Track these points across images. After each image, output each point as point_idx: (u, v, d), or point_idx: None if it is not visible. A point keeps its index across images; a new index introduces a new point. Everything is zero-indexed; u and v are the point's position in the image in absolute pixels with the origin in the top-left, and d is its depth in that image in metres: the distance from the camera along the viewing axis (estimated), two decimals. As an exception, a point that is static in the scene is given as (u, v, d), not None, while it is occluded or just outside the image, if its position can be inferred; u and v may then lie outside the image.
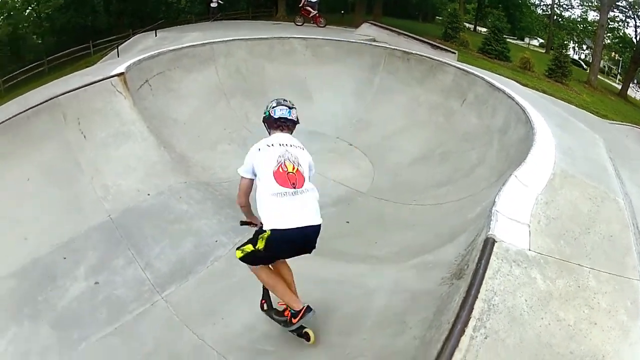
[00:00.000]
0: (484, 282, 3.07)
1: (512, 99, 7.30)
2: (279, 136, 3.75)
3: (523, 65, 23.00)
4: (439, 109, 8.74)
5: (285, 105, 3.84)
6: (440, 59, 9.75)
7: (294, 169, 3.45)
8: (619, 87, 30.77)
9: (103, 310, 4.95)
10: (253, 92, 9.58)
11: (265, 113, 3.88)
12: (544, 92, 16.00)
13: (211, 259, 5.51)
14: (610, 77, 36.87)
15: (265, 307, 4.21)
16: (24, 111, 6.47)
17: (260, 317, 4.40)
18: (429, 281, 4.21)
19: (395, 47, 10.28)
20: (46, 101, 6.65)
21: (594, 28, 31.22)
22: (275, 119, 3.79)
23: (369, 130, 8.97)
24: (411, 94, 9.23)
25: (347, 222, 6.58)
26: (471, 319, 2.84)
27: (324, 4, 18.77)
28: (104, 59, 16.17)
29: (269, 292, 4.10)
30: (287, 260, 3.93)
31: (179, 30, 16.97)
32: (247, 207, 3.87)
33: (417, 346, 3.47)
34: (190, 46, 9.54)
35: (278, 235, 3.32)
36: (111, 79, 7.35)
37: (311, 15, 16.93)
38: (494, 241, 3.39)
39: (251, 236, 3.59)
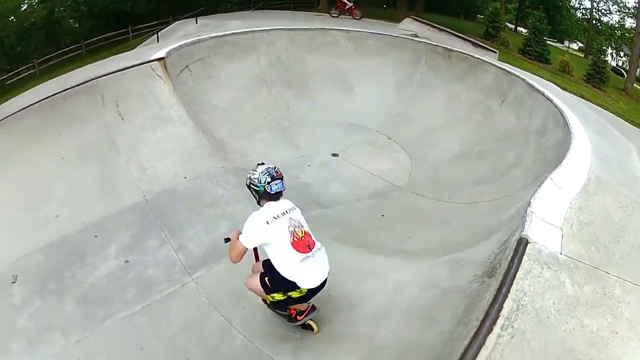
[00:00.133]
0: (514, 281, 3.09)
1: (551, 101, 7.18)
2: (277, 206, 3.87)
3: (562, 68, 22.40)
4: (479, 107, 8.64)
5: (278, 178, 3.89)
6: (481, 58, 9.60)
7: (302, 232, 3.83)
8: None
9: (131, 289, 5.04)
10: (294, 82, 9.64)
11: (258, 187, 3.87)
12: (582, 96, 15.58)
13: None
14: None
15: (269, 302, 4.30)
16: (62, 91, 6.61)
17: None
18: (461, 278, 4.22)
19: (437, 44, 10.15)
20: (85, 82, 6.78)
21: (631, 35, 30.26)
22: (272, 194, 3.86)
23: (408, 125, 8.93)
24: (452, 90, 9.14)
25: (383, 215, 6.60)
26: (500, 318, 2.87)
27: (366, -3, 18.61)
28: (143, 44, 16.25)
29: None
30: None
31: (220, 18, 17.01)
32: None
33: (444, 342, 3.50)
34: (231, 34, 9.60)
35: (310, 291, 3.87)
36: (151, 63, 7.47)
37: (347, 7, 16.87)
38: (527, 241, 3.40)
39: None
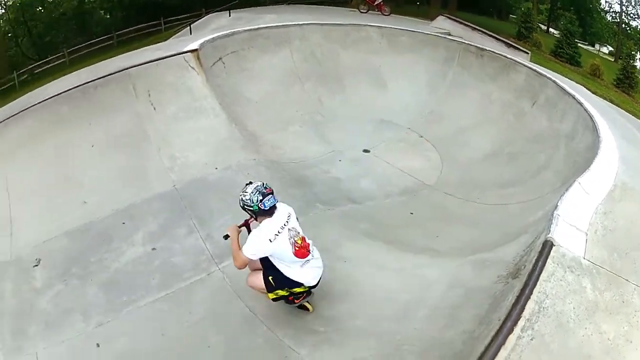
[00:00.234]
0: (538, 283, 3.13)
1: (582, 105, 7.09)
2: (275, 221, 4.07)
3: (593, 72, 21.97)
4: (511, 108, 8.55)
5: (268, 193, 4.07)
6: (514, 58, 9.51)
7: (300, 239, 4.14)
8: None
9: (157, 276, 5.13)
10: (328, 77, 9.67)
11: (252, 207, 4.03)
12: (611, 101, 15.28)
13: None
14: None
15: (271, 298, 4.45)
16: (93, 80, 6.78)
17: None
18: (485, 278, 4.25)
19: (470, 43, 10.07)
20: (117, 72, 6.93)
21: (660, 41, 29.50)
22: (267, 210, 4.04)
23: (440, 123, 8.89)
24: (484, 90, 9.06)
25: (411, 213, 6.61)
26: (521, 319, 2.92)
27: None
28: (175, 35, 16.39)
29: None
30: None
31: (253, 11, 17.07)
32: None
33: (464, 340, 3.53)
34: (265, 27, 9.72)
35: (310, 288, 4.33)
36: (184, 54, 7.60)
37: (376, 3, 16.78)
38: (552, 244, 3.43)
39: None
